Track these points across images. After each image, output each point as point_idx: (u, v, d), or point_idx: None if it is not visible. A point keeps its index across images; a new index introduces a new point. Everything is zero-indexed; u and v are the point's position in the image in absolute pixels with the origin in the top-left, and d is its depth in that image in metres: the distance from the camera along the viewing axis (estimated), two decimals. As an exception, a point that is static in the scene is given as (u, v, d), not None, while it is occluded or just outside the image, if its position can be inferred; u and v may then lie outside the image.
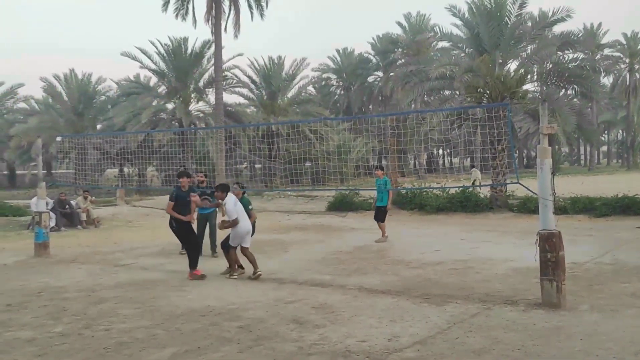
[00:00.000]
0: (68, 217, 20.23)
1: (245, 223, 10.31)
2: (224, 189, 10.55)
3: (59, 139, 19.71)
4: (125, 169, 44.19)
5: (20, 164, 56.73)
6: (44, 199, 14.40)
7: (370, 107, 64.87)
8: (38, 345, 6.68)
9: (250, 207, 10.99)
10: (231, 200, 10.28)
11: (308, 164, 35.41)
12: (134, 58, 37.30)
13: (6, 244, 16.07)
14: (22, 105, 49.28)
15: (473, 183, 26.13)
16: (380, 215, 14.97)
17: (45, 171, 46.81)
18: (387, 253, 12.92)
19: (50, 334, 7.10)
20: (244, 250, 10.41)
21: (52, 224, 17.87)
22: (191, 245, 10.79)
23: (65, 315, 8.03)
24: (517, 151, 59.55)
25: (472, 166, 32.44)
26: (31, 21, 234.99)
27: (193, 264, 10.53)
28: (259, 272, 10.22)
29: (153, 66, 38.27)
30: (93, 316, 7.91)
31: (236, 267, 10.56)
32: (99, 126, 46.08)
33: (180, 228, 10.69)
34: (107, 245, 15.39)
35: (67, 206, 20.35)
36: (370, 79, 63.42)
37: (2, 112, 49.88)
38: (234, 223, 10.13)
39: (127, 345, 6.55)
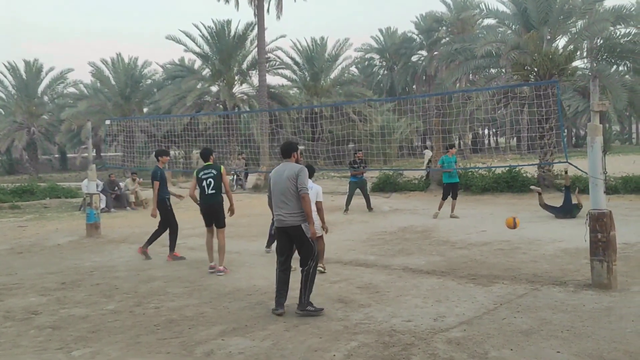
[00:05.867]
0: (117, 199, 20.74)
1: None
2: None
3: (107, 122, 20.12)
4: (172, 152, 44.92)
5: (71, 147, 58.27)
6: (94, 181, 14.79)
7: (414, 86, 64.01)
8: (91, 322, 6.90)
9: None
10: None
11: (351, 145, 35.34)
12: (179, 41, 37.66)
13: (59, 224, 16.59)
14: (71, 89, 50.35)
15: (428, 164, 25.75)
16: (456, 192, 15.73)
17: (94, 154, 47.97)
18: (432, 234, 12.84)
19: (103, 311, 7.33)
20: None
21: (103, 205, 18.38)
22: (173, 227, 11.01)
23: (116, 293, 8.28)
24: (566, 130, 58.14)
25: (425, 147, 31.95)
26: (78, 6, 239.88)
27: (173, 246, 10.93)
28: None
29: (197, 49, 38.57)
30: (143, 294, 8.13)
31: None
32: (145, 109, 46.82)
33: (170, 209, 11.02)
34: (155, 225, 15.69)
35: (116, 187, 20.86)
36: (414, 58, 62.58)
37: (52, 97, 51.16)
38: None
39: (176, 322, 6.71)
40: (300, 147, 41.38)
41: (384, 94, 61.88)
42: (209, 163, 9.73)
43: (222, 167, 9.75)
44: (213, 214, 9.65)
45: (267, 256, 10.60)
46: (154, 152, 11.79)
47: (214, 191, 9.55)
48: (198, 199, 9.78)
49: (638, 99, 23.97)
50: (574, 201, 14.47)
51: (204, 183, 9.52)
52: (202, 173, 9.60)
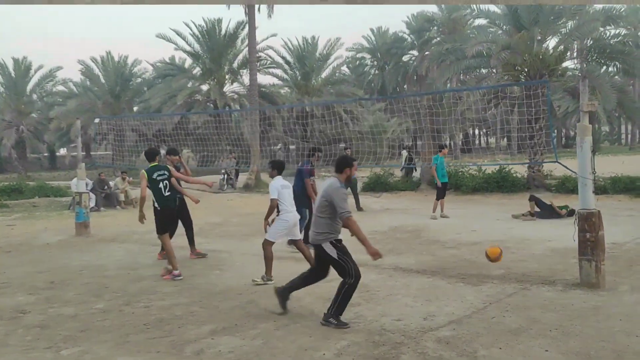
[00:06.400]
0: (106, 198, 20.63)
1: (292, 213, 8.74)
2: (275, 166, 9.00)
3: (97, 120, 20.04)
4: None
5: (60, 145, 57.88)
6: (83, 180, 14.73)
7: (405, 86, 64.14)
8: (81, 321, 6.87)
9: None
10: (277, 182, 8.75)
11: (342, 145, 35.37)
12: (169, 40, 37.48)
13: (49, 223, 16.48)
14: (60, 88, 50.04)
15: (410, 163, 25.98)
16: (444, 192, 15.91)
17: (84, 153, 47.71)
18: (423, 233, 12.87)
19: (92, 310, 7.29)
20: (299, 244, 9.00)
21: (92, 204, 18.28)
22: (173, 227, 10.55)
23: (106, 292, 8.24)
24: (556, 130, 58.39)
25: (404, 147, 32.29)
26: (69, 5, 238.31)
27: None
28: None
29: (188, 48, 38.42)
30: (133, 293, 8.10)
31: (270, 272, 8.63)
32: (135, 108, 46.60)
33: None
34: (145, 225, 15.64)
35: (105, 187, 20.75)
36: (405, 58, 62.68)
37: (41, 95, 50.83)
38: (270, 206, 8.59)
39: (166, 321, 6.69)
40: (292, 147, 41.37)
41: (375, 93, 61.91)
42: (156, 164, 9.38)
43: (168, 166, 9.60)
44: (174, 216, 9.40)
45: (258, 256, 10.56)
46: (165, 150, 11.47)
47: (169, 193, 9.34)
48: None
49: (627, 100, 24.15)
50: (548, 202, 14.82)
51: (161, 184, 9.22)
52: (156, 174, 9.22)
